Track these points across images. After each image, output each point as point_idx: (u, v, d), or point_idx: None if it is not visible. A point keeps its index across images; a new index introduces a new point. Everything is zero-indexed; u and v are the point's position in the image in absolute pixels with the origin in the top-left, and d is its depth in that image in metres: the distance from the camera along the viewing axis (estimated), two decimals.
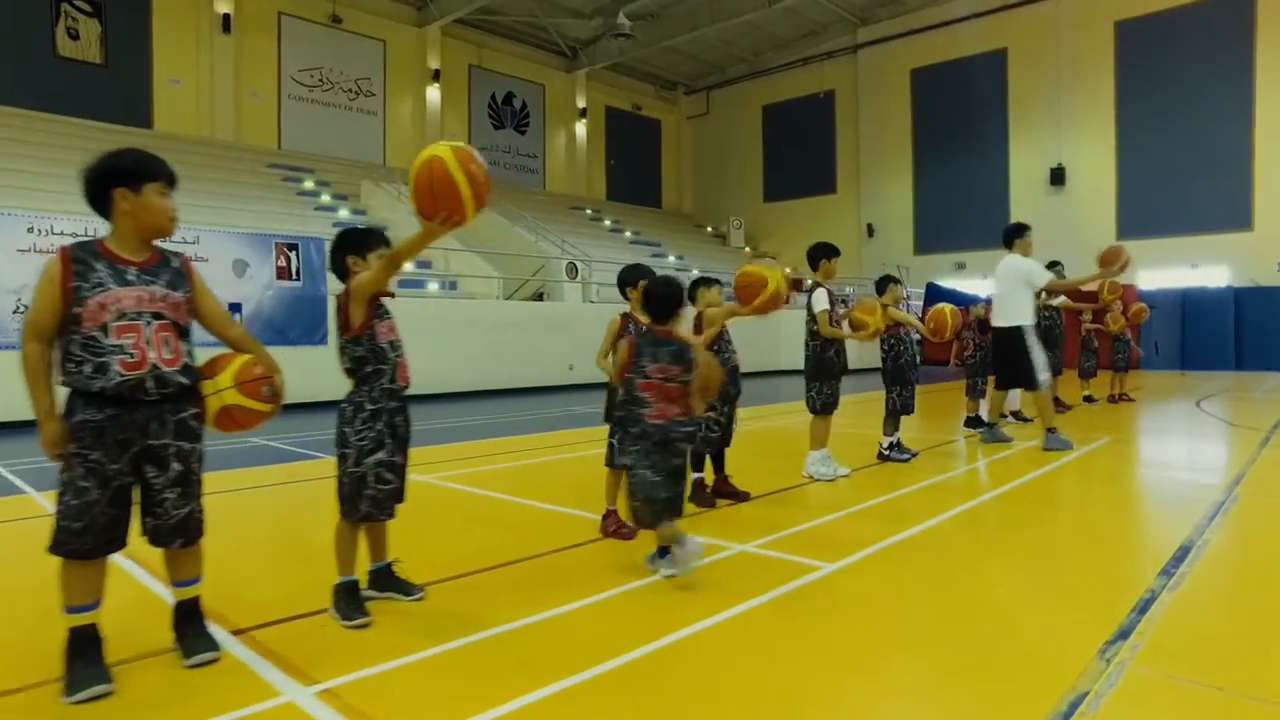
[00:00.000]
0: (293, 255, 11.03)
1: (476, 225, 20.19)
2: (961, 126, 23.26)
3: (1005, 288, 6.74)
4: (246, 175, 18.31)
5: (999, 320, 6.73)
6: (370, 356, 2.82)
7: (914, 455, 6.08)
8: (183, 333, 2.39)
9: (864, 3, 24.62)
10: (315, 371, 11.29)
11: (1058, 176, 21.28)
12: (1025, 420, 8.48)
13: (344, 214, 17.82)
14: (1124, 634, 2.62)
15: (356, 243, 2.91)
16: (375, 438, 2.78)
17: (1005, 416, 8.52)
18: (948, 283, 21.82)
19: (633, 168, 29.68)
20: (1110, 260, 6.72)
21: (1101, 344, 10.73)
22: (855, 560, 3.48)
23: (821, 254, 5.33)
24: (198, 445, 2.40)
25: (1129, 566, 3.43)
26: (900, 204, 24.95)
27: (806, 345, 5.34)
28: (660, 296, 3.32)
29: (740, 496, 4.66)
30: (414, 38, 23.25)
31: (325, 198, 18.54)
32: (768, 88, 28.31)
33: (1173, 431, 8.23)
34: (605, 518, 3.96)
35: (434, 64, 23.57)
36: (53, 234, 8.99)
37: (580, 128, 27.54)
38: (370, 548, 2.99)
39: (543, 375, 14.00)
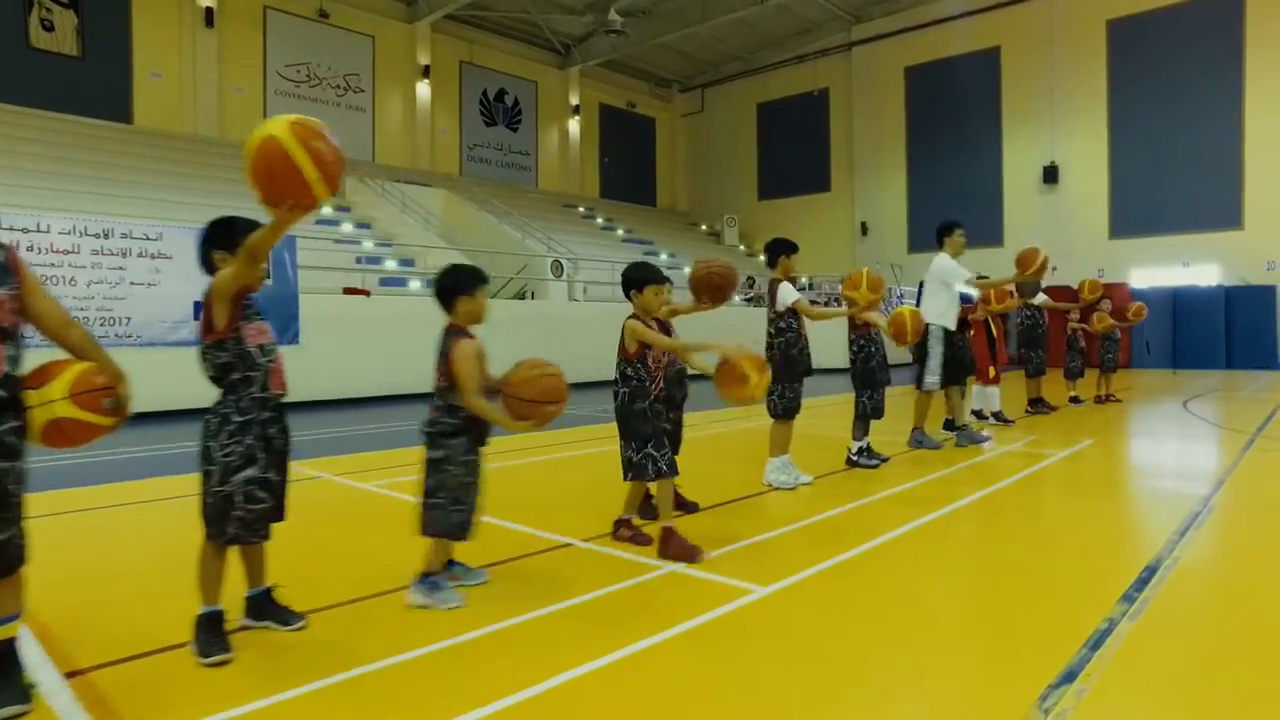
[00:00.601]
0: None
1: (461, 222, 20.00)
2: (955, 124, 23.01)
3: (929, 286, 6.68)
4: (228, 171, 18.03)
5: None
6: (237, 362, 2.54)
7: (884, 460, 5.81)
8: (5, 336, 2.11)
9: (858, 0, 24.35)
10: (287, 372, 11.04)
11: (1051, 174, 21.03)
12: (1007, 422, 8.21)
13: (326, 210, 17.55)
14: (1070, 676, 2.35)
15: (223, 236, 2.62)
16: (244, 452, 2.50)
17: (986, 418, 8.29)
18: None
19: (627, 165, 29.42)
20: (1026, 262, 6.50)
21: (1089, 344, 10.45)
22: (792, 583, 3.21)
23: (781, 250, 5.08)
24: (16, 464, 2.13)
25: (1089, 592, 3.15)
26: (894, 202, 24.70)
27: (769, 345, 5.07)
28: (435, 289, 3.09)
29: (688, 508, 4.39)
30: (403, 33, 22.97)
31: None
32: (762, 85, 28.07)
33: (1157, 434, 7.98)
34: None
35: (424, 60, 23.31)
36: (0, 228, 8.70)
37: (573, 125, 27.27)
38: (246, 572, 2.72)
39: None
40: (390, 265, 15.63)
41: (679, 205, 31.00)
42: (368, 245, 16.15)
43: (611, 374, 3.75)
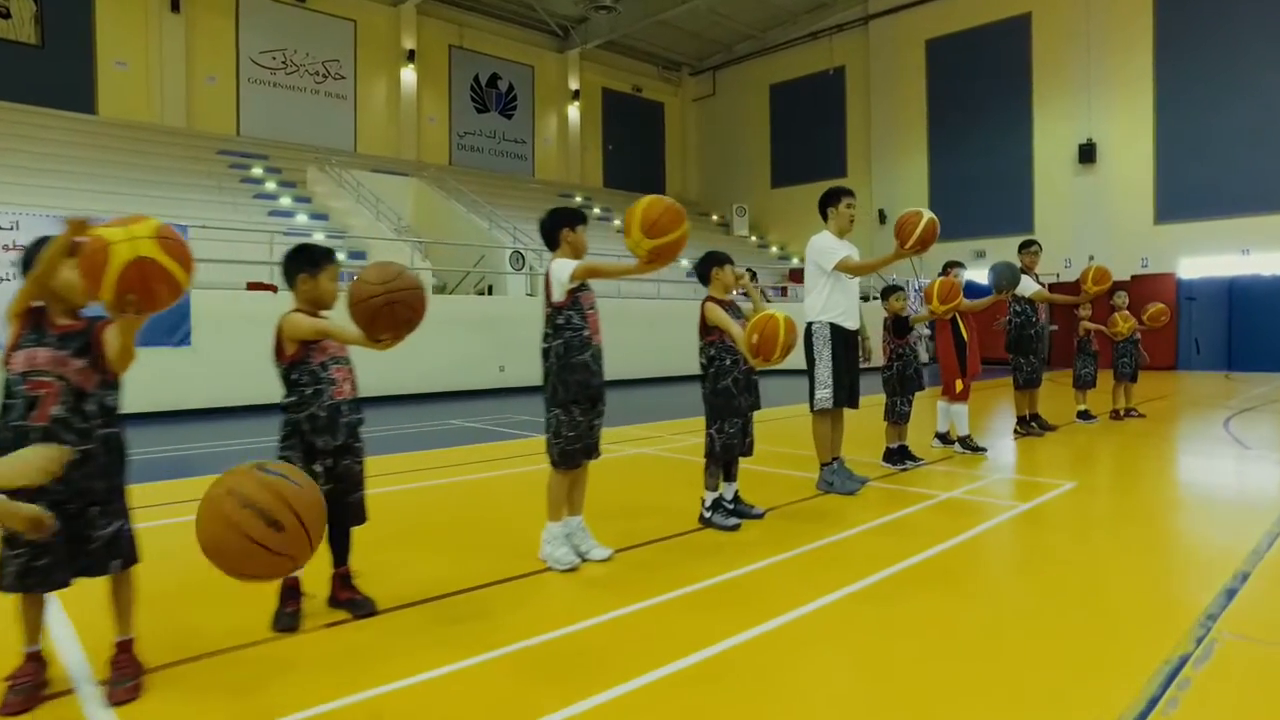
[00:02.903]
0: None
1: (432, 212, 18.72)
2: (980, 101, 20.93)
3: (806, 272, 5.16)
4: (198, 164, 17.15)
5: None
6: None
7: (755, 516, 4.24)
8: None
9: None
10: (175, 376, 9.94)
11: (1087, 154, 18.81)
12: (978, 449, 6.49)
13: (285, 201, 16.54)
14: None
15: None
16: None
17: (951, 443, 6.61)
18: (966, 273, 19.55)
19: (633, 153, 27.92)
20: (903, 230, 4.67)
21: (1102, 347, 8.61)
22: None
23: (563, 223, 3.56)
24: None
25: None
26: (914, 188, 22.69)
27: (543, 354, 3.53)
28: None
29: (359, 609, 2.91)
30: (387, 17, 21.91)
31: (270, 185, 17.23)
32: (775, 66, 26.27)
33: (1172, 476, 6.13)
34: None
35: (409, 44, 22.20)
36: None
37: (573, 111, 25.88)
38: None
39: (467, 378, 12.35)
40: (339, 258, 14.44)
41: (689, 194, 29.33)
42: (319, 237, 14.99)
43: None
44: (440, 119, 23.23)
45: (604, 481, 5.44)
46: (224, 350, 9.90)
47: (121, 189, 14.24)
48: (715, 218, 27.40)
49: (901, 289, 5.95)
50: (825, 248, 4.98)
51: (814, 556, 3.71)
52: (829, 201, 5.07)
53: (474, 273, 14.96)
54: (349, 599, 2.92)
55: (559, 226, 3.53)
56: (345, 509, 2.86)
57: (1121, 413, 8.69)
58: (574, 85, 25.74)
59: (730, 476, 4.24)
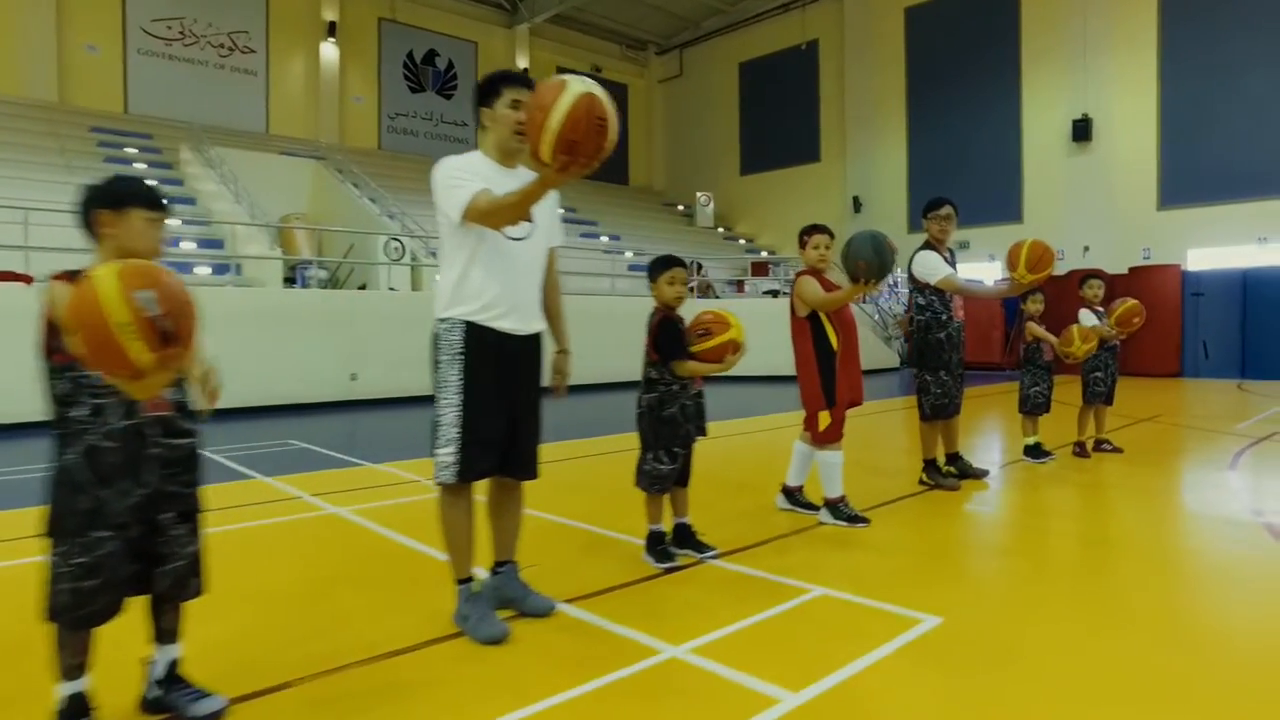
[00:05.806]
0: None
1: (328, 197, 16.53)
2: (965, 75, 18.60)
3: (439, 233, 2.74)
4: (72, 141, 15.15)
5: None
6: None
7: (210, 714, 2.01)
8: None
9: None
10: None
11: (1082, 131, 16.42)
12: (856, 521, 4.20)
13: (158, 184, 14.40)
14: None
15: None
16: None
17: (807, 507, 4.35)
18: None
19: None
20: (531, 128, 2.10)
21: (1057, 357, 6.31)
22: None
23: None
24: None
25: None
26: (892, 172, 20.40)
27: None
28: None
29: None
30: None
31: (140, 166, 15.16)
32: (744, 42, 24.05)
33: (1127, 581, 3.79)
34: None
35: (330, 16, 20.13)
36: None
37: None
38: None
39: (306, 389, 10.02)
40: (189, 246, 12.36)
41: (655, 183, 27.13)
42: (174, 223, 12.88)
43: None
44: (368, 99, 21.16)
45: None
46: None
47: None
48: (681, 208, 25.14)
49: (683, 265, 3.58)
50: (447, 178, 2.66)
51: None
52: (482, 99, 2.75)
53: (346, 263, 12.80)
54: None
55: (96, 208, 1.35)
56: None
57: (1089, 447, 6.39)
58: (523, 64, 23.56)
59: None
